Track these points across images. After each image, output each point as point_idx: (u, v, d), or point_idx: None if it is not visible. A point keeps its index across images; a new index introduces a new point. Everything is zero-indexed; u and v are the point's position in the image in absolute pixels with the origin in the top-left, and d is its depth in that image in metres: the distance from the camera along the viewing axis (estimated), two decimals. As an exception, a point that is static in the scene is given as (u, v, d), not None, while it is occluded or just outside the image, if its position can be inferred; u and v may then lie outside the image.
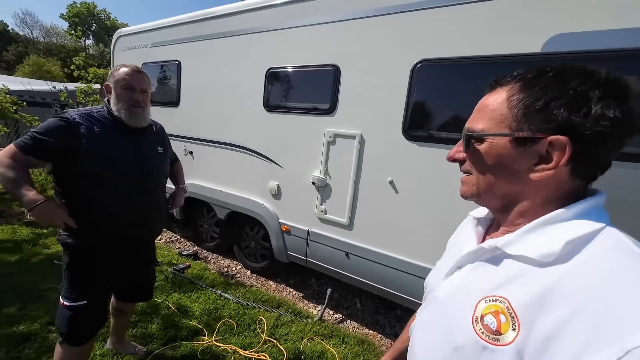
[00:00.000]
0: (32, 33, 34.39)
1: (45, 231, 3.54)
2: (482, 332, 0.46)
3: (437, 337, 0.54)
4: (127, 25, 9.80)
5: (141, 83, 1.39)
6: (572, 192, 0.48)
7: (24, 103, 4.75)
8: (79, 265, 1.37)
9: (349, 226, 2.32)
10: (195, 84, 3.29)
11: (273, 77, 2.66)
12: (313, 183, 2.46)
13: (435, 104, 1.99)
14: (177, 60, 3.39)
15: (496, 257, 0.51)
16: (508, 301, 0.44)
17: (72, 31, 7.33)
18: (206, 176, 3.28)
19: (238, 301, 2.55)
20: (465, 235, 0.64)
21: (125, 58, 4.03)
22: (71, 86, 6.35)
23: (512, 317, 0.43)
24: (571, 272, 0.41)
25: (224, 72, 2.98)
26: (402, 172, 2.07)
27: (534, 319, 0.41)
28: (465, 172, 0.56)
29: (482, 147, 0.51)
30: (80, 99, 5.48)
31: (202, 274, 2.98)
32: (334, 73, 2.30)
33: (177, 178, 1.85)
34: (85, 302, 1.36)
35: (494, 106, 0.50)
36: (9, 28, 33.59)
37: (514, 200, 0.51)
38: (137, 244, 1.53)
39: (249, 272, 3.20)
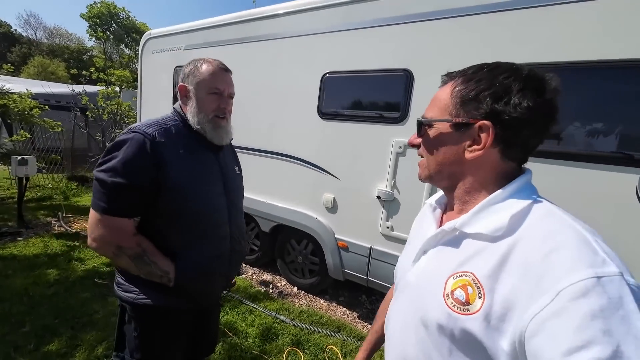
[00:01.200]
0: (35, 34, 34.31)
1: (77, 243, 3.38)
2: (454, 305, 0.50)
3: (413, 318, 0.58)
4: (146, 25, 9.60)
5: (230, 86, 1.07)
6: (507, 172, 0.55)
7: (46, 107, 4.58)
8: (154, 331, 1.06)
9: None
10: (237, 90, 3.10)
11: (329, 82, 2.48)
12: (378, 197, 2.28)
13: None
14: (215, 64, 3.21)
15: (456, 238, 0.56)
16: (473, 274, 0.50)
17: (93, 32, 7.13)
18: (249, 187, 3.08)
19: (296, 324, 2.37)
20: (426, 222, 0.68)
21: (154, 61, 3.86)
22: (89, 89, 6.18)
23: (478, 287, 0.48)
24: (517, 241, 0.47)
25: (271, 77, 2.79)
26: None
27: (494, 286, 0.46)
28: (420, 156, 0.63)
29: (430, 131, 0.59)
30: (102, 102, 5.30)
31: (248, 291, 2.81)
32: (405, 78, 2.12)
33: None
34: None
35: (441, 97, 0.58)
36: (13, 29, 33.50)
37: (458, 180, 0.58)
38: (218, 295, 1.25)
39: (295, 288, 3.02)
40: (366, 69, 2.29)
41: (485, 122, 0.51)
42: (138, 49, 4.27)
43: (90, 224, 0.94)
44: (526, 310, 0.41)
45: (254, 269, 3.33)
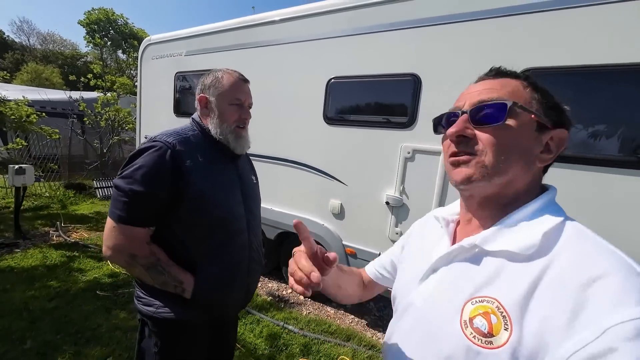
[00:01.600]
0: (29, 40, 34.04)
1: (76, 253, 3.30)
2: (474, 337, 0.43)
3: (422, 347, 0.51)
4: (144, 31, 9.55)
5: (249, 96, 1.10)
6: (539, 183, 0.52)
7: (43, 114, 4.50)
8: (175, 346, 1.04)
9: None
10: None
11: (335, 87, 2.46)
12: (387, 203, 2.25)
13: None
14: (217, 70, 3.17)
15: (475, 256, 0.50)
16: (497, 300, 0.43)
17: (91, 39, 7.06)
18: (252, 193, 3.05)
19: (305, 334, 2.32)
20: (432, 236, 0.62)
21: (154, 67, 3.82)
22: (86, 95, 6.11)
23: (504, 317, 0.42)
24: (551, 263, 0.41)
25: (276, 83, 2.76)
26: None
27: (524, 315, 0.40)
28: (469, 154, 0.49)
29: (511, 121, 0.47)
30: (99, 109, 5.24)
31: (255, 300, 2.75)
32: (413, 83, 2.10)
33: None
34: None
35: (512, 86, 0.49)
36: (5, 35, 33.20)
37: (509, 188, 0.49)
38: (237, 308, 1.20)
39: (301, 296, 2.97)
40: (373, 74, 2.27)
41: (565, 131, 0.49)
42: (136, 55, 4.23)
43: (105, 232, 0.94)
44: (560, 346, 0.36)
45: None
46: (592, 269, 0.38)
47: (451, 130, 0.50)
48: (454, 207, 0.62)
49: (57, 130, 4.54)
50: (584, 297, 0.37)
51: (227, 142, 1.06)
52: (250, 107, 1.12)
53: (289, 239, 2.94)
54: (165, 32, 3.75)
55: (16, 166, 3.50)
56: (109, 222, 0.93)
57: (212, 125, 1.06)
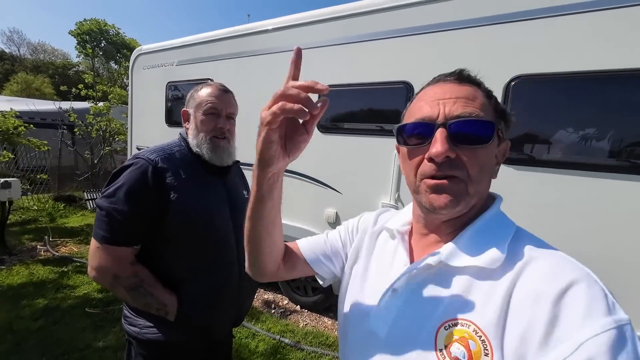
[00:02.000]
0: (19, 51, 33.73)
1: (65, 269, 3.20)
2: None
3: None
4: (135, 41, 9.53)
5: (228, 106, 1.06)
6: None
7: (31, 125, 4.42)
8: None
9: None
10: (231, 104, 3.06)
11: (331, 96, 2.44)
12: (383, 211, 2.23)
13: (533, 123, 1.80)
14: (209, 79, 3.16)
15: (438, 274, 0.46)
16: (473, 323, 0.40)
17: (82, 49, 7.02)
18: (246, 203, 3.01)
19: (302, 347, 2.26)
20: (388, 251, 0.57)
21: (146, 77, 3.78)
22: (77, 105, 6.03)
23: (483, 341, 0.39)
24: (519, 277, 0.40)
25: (268, 91, 2.73)
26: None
27: (503, 335, 0.38)
28: (450, 177, 0.44)
29: (493, 142, 0.46)
30: (91, 119, 5.16)
31: (252, 314, 2.68)
32: (406, 91, 2.10)
33: None
34: None
35: (480, 100, 0.46)
36: (-5, 46, 32.87)
37: (477, 204, 0.47)
38: (228, 328, 1.15)
39: (298, 307, 2.91)
40: (365, 82, 2.27)
41: (508, 142, 0.50)
42: (127, 65, 4.19)
43: (90, 252, 0.93)
44: (540, 358, 0.35)
45: (254, 288, 3.20)
46: (560, 282, 0.38)
47: (438, 150, 0.43)
48: (405, 217, 0.58)
49: (46, 142, 4.45)
50: (557, 310, 0.36)
51: (202, 153, 1.02)
52: (232, 118, 1.08)
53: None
54: (157, 42, 3.73)
55: (1, 180, 3.40)
56: (93, 243, 0.91)
57: (190, 137, 1.05)
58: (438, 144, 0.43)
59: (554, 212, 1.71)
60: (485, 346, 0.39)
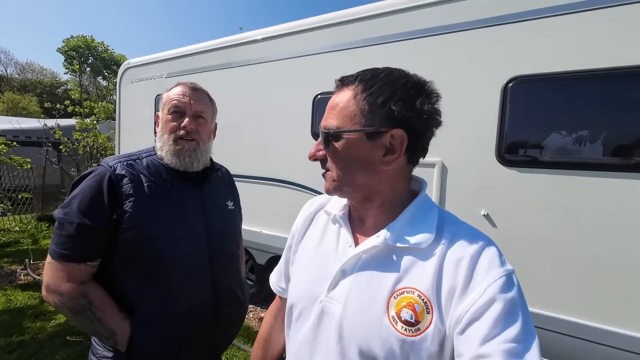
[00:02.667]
0: (6, 70, 33.39)
1: (46, 294, 2.99)
2: (405, 329, 0.48)
3: (346, 353, 0.51)
4: (125, 57, 9.50)
5: (196, 103, 0.93)
6: (409, 177, 0.58)
7: (14, 143, 4.25)
8: None
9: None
10: (222, 115, 2.96)
11: (321, 103, 2.40)
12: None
13: (532, 123, 1.77)
14: (199, 90, 3.09)
15: (383, 253, 0.53)
16: (416, 289, 0.49)
17: (69, 65, 6.93)
18: (240, 216, 2.89)
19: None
20: (330, 236, 0.62)
21: (134, 90, 3.70)
22: (63, 122, 5.87)
23: (425, 302, 0.48)
24: (447, 249, 0.50)
25: (261, 101, 2.69)
26: (500, 203, 1.80)
27: (438, 296, 0.48)
28: (326, 170, 0.57)
29: (339, 143, 0.53)
30: (77, 135, 5.01)
31: (247, 333, 2.52)
32: (402, 96, 2.07)
33: None
34: None
35: (344, 104, 0.53)
36: (-19, 66, 32.49)
37: (372, 191, 0.55)
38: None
39: (297, 325, 2.76)
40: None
41: (398, 130, 0.50)
42: (115, 81, 4.11)
43: (44, 270, 0.85)
44: (457, 307, 0.46)
45: (251, 306, 3.04)
46: (471, 248, 0.49)
47: (310, 152, 0.58)
48: (342, 201, 0.64)
49: (29, 160, 4.28)
50: (471, 268, 0.47)
51: (163, 157, 0.92)
52: (200, 117, 0.95)
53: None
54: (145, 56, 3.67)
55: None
56: (47, 259, 0.83)
57: (157, 140, 0.95)
58: (313, 147, 0.58)
59: (555, 212, 1.65)
60: (427, 306, 0.48)
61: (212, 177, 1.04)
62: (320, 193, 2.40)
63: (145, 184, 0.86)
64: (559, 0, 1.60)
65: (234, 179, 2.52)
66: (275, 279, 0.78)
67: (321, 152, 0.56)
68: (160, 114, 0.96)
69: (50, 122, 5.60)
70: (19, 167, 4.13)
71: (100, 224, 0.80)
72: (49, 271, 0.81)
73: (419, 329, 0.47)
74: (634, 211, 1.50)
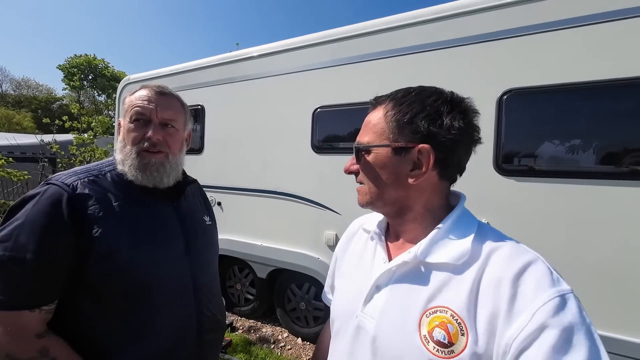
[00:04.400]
0: (1, 87, 33.44)
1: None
2: (437, 350, 0.46)
3: None
4: (124, 74, 9.62)
5: (163, 111, 0.80)
6: (444, 192, 0.57)
7: (10, 159, 4.22)
8: None
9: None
10: (222, 129, 3.02)
11: (321, 116, 2.45)
12: (384, 230, 2.16)
13: (528, 133, 1.82)
14: (199, 105, 3.13)
15: (416, 270, 0.53)
16: (450, 308, 0.47)
17: (69, 81, 7.00)
18: (240, 229, 2.88)
19: (307, 386, 2.06)
20: (365, 251, 0.64)
21: (134, 105, 3.74)
22: (60, 137, 5.86)
23: (459, 323, 0.45)
24: (485, 266, 0.48)
25: (261, 115, 2.73)
26: (499, 212, 1.83)
27: (475, 317, 0.45)
28: (359, 183, 0.60)
29: (369, 157, 0.56)
30: (74, 150, 5.00)
31: (249, 350, 2.47)
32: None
33: None
34: None
35: (375, 121, 0.57)
36: (-24, 83, 32.52)
37: (403, 205, 0.56)
38: None
39: (299, 340, 2.71)
40: (360, 102, 2.29)
41: (424, 145, 0.51)
42: (115, 97, 4.15)
43: None
44: (504, 334, 0.42)
45: (251, 321, 2.99)
46: (514, 266, 0.45)
47: (345, 166, 0.61)
48: (379, 218, 0.66)
49: (26, 172, 4.24)
50: (514, 289, 0.44)
51: (127, 173, 0.79)
52: (169, 125, 0.82)
53: (282, 276, 2.74)
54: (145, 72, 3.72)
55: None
56: None
57: (117, 152, 0.81)
58: (348, 163, 0.62)
59: (550, 220, 1.68)
60: (461, 327, 0.45)
61: (186, 191, 0.93)
62: (320, 205, 2.44)
63: (114, 204, 0.74)
64: (552, 16, 1.69)
65: (235, 191, 2.54)
66: (325, 292, 0.81)
67: (354, 166, 0.59)
68: (121, 120, 0.82)
69: (47, 138, 5.58)
70: (17, 181, 4.08)
71: (57, 259, 0.65)
72: None
73: (452, 352, 0.45)
74: (631, 218, 1.54)
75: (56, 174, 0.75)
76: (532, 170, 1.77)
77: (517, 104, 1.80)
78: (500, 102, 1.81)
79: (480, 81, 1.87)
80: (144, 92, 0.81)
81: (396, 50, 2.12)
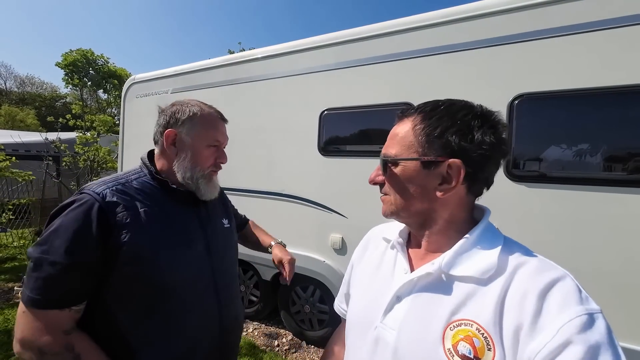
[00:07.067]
0: (5, 84, 33.58)
1: (44, 313, 2.91)
2: None
3: None
4: (124, 70, 9.61)
5: (227, 138, 0.97)
6: (470, 206, 0.57)
7: (13, 158, 4.23)
8: None
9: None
10: (228, 130, 3.00)
11: (328, 119, 2.43)
12: (391, 234, 2.14)
13: (539, 139, 1.80)
14: (205, 106, 3.12)
15: (439, 281, 0.52)
16: (476, 322, 0.46)
17: (69, 80, 7.00)
18: (245, 231, 2.86)
19: (313, 390, 2.05)
20: (384, 260, 0.64)
21: (138, 105, 3.73)
22: (64, 135, 5.87)
23: (485, 337, 0.44)
24: (510, 281, 0.47)
25: (267, 117, 2.72)
26: (509, 216, 1.81)
27: (501, 332, 0.44)
28: (384, 194, 0.60)
29: (397, 170, 0.56)
30: (79, 149, 5.00)
31: (253, 353, 2.46)
32: (408, 112, 2.10)
33: (262, 238, 1.31)
34: None
35: (403, 134, 0.56)
36: (-21, 80, 32.69)
37: (428, 217, 0.56)
38: None
39: (304, 343, 2.70)
40: (367, 104, 2.27)
41: (455, 160, 0.51)
42: (117, 94, 4.16)
43: (16, 320, 0.73)
44: (526, 347, 0.41)
45: (255, 323, 2.98)
46: (541, 281, 0.45)
47: (370, 176, 0.62)
48: (400, 227, 0.65)
49: (31, 172, 4.25)
50: (540, 304, 0.43)
51: (197, 187, 0.89)
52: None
53: (286, 278, 2.73)
54: (148, 71, 3.72)
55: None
56: (19, 307, 0.71)
57: (180, 167, 0.88)
58: (372, 173, 0.62)
59: (562, 227, 1.66)
60: (487, 342, 0.44)
61: None
62: (326, 208, 2.42)
63: (141, 210, 0.79)
64: (562, 21, 1.66)
65: (243, 193, 2.51)
66: (338, 301, 0.79)
67: (380, 178, 0.60)
68: (185, 137, 0.88)
69: (52, 136, 5.59)
70: (22, 181, 4.09)
71: (89, 262, 0.71)
72: (23, 322, 0.69)
73: None
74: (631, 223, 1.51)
75: (87, 184, 0.82)
76: (543, 176, 1.75)
77: (528, 109, 1.78)
78: (511, 106, 1.79)
79: (491, 85, 1.84)
80: (216, 121, 0.94)
81: (405, 54, 2.10)
